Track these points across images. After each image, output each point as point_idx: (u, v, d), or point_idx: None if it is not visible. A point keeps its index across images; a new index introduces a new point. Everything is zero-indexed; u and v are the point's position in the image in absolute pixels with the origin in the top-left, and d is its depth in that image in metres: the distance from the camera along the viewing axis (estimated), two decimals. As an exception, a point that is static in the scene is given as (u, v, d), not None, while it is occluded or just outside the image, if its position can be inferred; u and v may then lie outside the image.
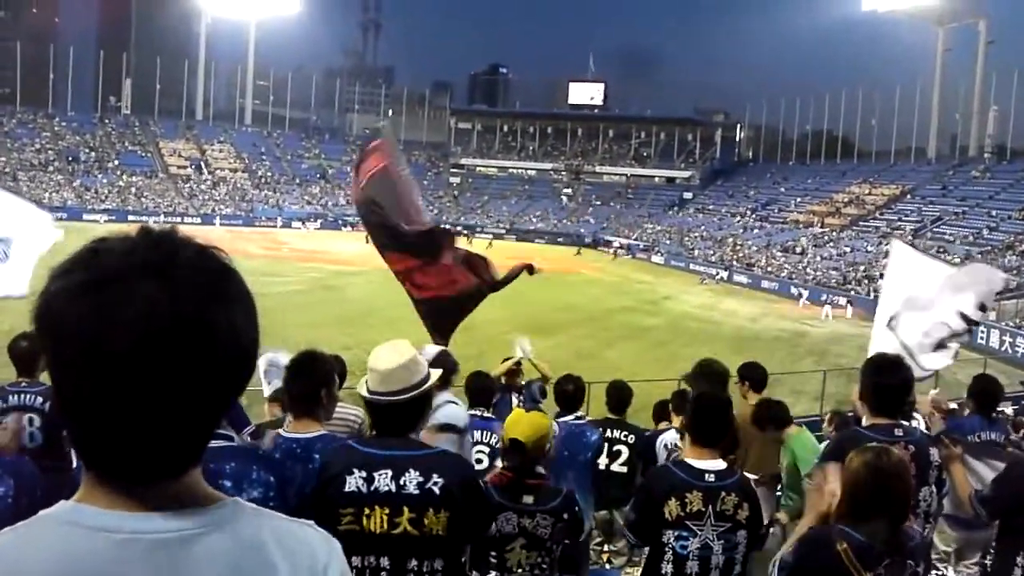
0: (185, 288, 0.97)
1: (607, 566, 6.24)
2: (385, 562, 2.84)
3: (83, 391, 0.96)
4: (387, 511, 2.84)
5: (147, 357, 0.94)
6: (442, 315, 8.15)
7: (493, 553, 3.61)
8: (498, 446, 5.35)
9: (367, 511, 2.84)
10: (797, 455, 6.25)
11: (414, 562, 2.86)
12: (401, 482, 2.86)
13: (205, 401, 1.01)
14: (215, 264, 1.02)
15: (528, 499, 3.66)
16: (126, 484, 1.00)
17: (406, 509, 2.85)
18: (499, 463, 5.09)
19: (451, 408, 4.94)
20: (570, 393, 6.24)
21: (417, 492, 2.86)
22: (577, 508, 3.85)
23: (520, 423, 3.81)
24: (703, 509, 3.59)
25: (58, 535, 0.96)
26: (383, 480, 2.86)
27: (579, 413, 6.27)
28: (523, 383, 8.02)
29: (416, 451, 3.01)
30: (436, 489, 2.87)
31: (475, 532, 3.13)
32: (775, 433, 6.35)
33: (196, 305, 0.97)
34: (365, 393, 3.08)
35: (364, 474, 2.86)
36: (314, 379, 3.55)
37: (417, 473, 2.88)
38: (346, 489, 2.85)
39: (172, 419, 0.98)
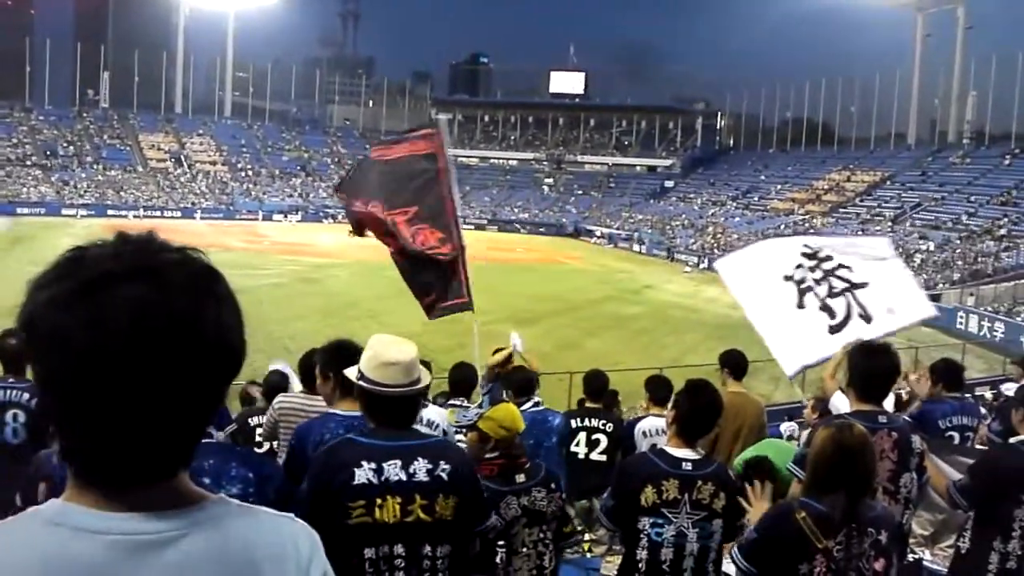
0: (175, 287, 0.97)
1: (588, 555, 6.29)
2: (400, 549, 2.89)
3: (77, 399, 0.95)
4: (399, 500, 2.89)
5: (142, 359, 0.94)
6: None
7: (501, 542, 3.73)
8: None
9: (379, 501, 2.88)
10: None
11: (427, 548, 2.93)
12: (411, 470, 2.92)
13: (197, 401, 1.02)
14: (199, 265, 1.02)
15: (520, 478, 3.83)
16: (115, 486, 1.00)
17: (418, 496, 2.91)
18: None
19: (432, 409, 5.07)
20: (522, 381, 6.31)
21: (427, 479, 2.93)
22: (560, 480, 3.98)
23: (498, 412, 3.93)
24: (679, 497, 3.62)
25: (44, 534, 0.96)
26: (393, 470, 2.90)
27: (536, 399, 6.34)
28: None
29: (420, 440, 3.07)
30: (444, 475, 2.95)
31: (476, 516, 3.19)
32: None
33: (187, 303, 0.97)
34: (369, 385, 3.05)
35: (373, 466, 2.89)
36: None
37: (425, 461, 2.94)
38: (355, 482, 2.87)
39: (166, 421, 0.98)
